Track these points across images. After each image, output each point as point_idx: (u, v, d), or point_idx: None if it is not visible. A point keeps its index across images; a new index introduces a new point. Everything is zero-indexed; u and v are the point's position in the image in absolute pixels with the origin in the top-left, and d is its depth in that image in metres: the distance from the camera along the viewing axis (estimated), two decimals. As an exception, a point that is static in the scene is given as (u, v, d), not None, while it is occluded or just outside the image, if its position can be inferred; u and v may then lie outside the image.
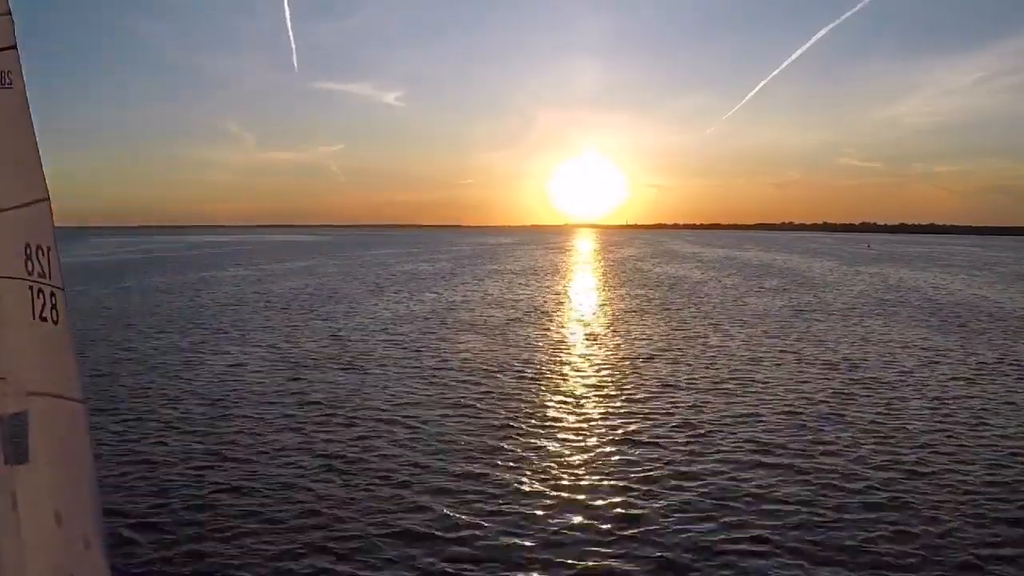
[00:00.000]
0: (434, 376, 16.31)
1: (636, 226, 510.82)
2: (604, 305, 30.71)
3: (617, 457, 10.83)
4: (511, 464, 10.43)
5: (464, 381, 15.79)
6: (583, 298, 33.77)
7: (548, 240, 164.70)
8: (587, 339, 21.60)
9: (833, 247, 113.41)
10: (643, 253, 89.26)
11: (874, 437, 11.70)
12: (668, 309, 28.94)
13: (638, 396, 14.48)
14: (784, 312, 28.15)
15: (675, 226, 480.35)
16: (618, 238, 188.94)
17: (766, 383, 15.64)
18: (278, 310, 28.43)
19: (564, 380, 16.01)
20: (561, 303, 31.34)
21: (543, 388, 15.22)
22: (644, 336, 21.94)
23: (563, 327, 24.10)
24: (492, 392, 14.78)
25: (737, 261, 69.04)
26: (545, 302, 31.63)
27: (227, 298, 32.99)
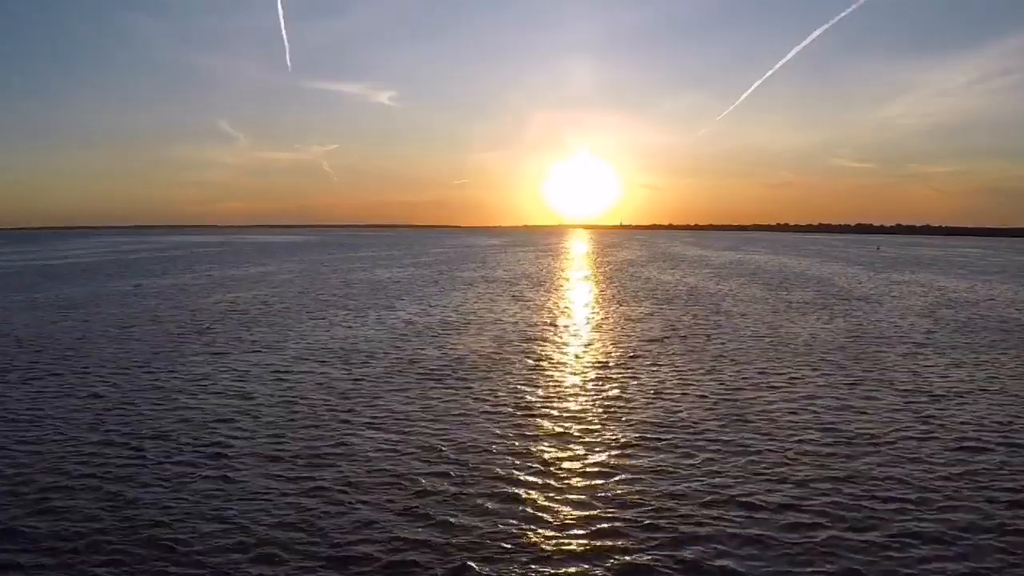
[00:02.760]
0: (341, 483, 9.41)
1: (630, 227, 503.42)
2: (612, 332, 23.86)
3: None
4: None
5: (394, 505, 8.89)
6: (584, 321, 26.85)
7: (541, 241, 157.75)
8: (595, 398, 14.71)
9: (841, 249, 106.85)
10: (643, 256, 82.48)
11: None
12: (694, 337, 22.10)
13: (694, 520, 7.62)
14: (844, 341, 21.37)
15: (669, 227, 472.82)
16: (613, 239, 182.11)
17: (903, 490, 8.79)
18: (171, 337, 21.44)
19: (564, 488, 9.14)
20: (556, 328, 24.46)
21: (535, 515, 8.35)
22: (675, 390, 15.07)
23: (560, 372, 17.22)
24: (442, 527, 7.90)
25: (748, 266, 62.31)
26: (536, 326, 24.76)
27: (132, 316, 26.02)
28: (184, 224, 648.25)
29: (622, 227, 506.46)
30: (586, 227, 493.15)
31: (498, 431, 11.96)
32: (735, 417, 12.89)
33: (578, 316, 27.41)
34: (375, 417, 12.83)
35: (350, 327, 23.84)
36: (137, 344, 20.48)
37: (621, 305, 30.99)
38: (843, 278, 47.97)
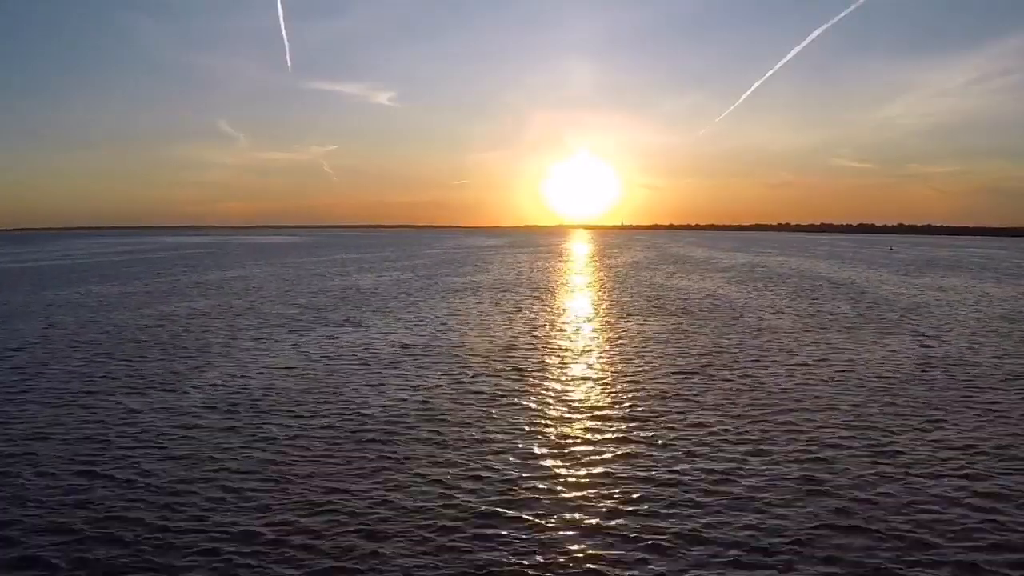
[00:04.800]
0: None
1: (631, 227, 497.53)
2: (625, 361, 19.07)
3: None
4: None
5: None
6: (590, 344, 21.96)
7: (542, 242, 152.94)
8: (608, 473, 9.93)
9: (852, 250, 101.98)
10: (648, 258, 77.70)
11: None
12: (731, 364, 17.33)
13: None
14: (922, 372, 16.60)
15: (670, 227, 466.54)
16: (615, 240, 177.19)
17: None
18: (53, 364, 16.62)
19: None
20: (556, 356, 19.64)
21: None
22: (721, 455, 10.26)
23: (559, 427, 12.46)
24: None
25: (764, 269, 57.51)
26: (531, 351, 20.01)
27: (30, 334, 21.28)
28: (184, 225, 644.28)
29: (623, 227, 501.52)
30: (586, 227, 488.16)
31: (465, 513, 7.22)
32: (822, 509, 8.15)
33: (583, 337, 22.61)
34: (285, 507, 8.08)
35: (290, 354, 19.07)
36: (4, 373, 15.74)
37: (633, 319, 26.21)
38: (874, 283, 43.21)
